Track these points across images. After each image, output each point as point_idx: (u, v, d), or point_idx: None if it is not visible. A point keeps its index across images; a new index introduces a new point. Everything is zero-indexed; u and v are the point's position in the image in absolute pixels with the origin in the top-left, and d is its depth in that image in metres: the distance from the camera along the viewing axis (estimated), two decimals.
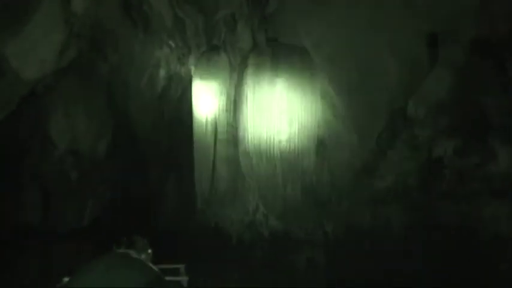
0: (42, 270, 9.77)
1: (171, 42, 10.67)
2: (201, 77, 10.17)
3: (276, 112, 7.69)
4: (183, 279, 4.72)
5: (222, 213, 9.93)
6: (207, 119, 10.22)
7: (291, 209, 7.91)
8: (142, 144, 12.70)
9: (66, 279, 2.70)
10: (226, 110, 9.96)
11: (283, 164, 7.67)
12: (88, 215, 12.25)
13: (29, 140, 12.53)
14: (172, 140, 12.01)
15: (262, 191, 8.08)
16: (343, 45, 6.80)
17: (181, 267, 4.94)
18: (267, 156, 7.70)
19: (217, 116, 10.02)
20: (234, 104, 9.09)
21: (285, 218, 8.13)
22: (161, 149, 12.37)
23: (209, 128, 10.26)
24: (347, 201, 7.78)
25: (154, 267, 1.51)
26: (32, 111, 12.69)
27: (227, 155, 9.74)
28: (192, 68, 10.66)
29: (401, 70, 6.64)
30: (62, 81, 12.02)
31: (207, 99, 10.18)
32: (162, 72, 11.28)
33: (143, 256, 2.20)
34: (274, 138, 7.68)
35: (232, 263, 8.98)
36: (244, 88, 7.89)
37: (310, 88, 7.55)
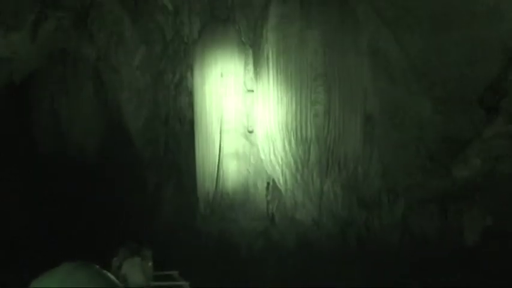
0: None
1: (167, 12, 8.13)
2: (204, 54, 7.86)
3: (309, 77, 5.21)
4: (184, 284, 4.54)
5: (230, 218, 7.72)
6: (210, 105, 7.93)
7: (327, 211, 5.27)
8: (136, 142, 10.18)
9: None
10: (235, 93, 7.66)
11: (320, 149, 5.05)
12: None
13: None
14: (171, 134, 9.54)
15: (287, 187, 5.44)
16: None
17: (175, 273, 4.79)
18: (296, 137, 5.10)
19: (223, 100, 7.70)
20: (246, 76, 6.69)
21: (318, 224, 5.47)
22: (158, 145, 9.86)
23: (214, 116, 7.93)
24: (405, 201, 5.12)
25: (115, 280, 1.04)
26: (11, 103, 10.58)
27: (236, 148, 7.55)
28: (193, 44, 8.18)
29: None
30: (42, 68, 9.64)
31: (210, 80, 7.89)
32: (157, 50, 8.72)
33: (150, 264, 2.36)
34: (307, 113, 5.12)
35: (241, 280, 6.88)
36: (265, 47, 5.41)
37: (354, 43, 4.99)
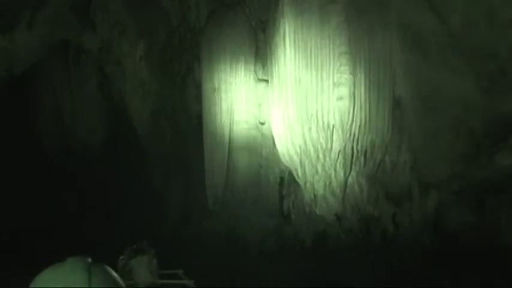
0: None
1: None
2: (212, 42, 7.45)
3: (331, 56, 4.69)
4: (189, 282, 4.47)
5: (240, 215, 7.43)
6: (219, 96, 7.52)
7: (351, 206, 4.70)
8: (141, 136, 9.77)
9: None
10: (246, 83, 7.32)
11: (343, 136, 4.48)
12: None
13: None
14: (177, 127, 9.08)
15: (306, 179, 4.88)
16: None
17: (180, 272, 4.68)
18: (316, 123, 4.52)
19: (233, 90, 7.33)
20: (257, 64, 6.25)
21: (340, 219, 4.89)
22: (164, 139, 9.40)
23: (223, 107, 7.51)
24: (437, 194, 4.53)
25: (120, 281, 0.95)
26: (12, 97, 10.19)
27: (247, 140, 7.25)
28: (200, 32, 7.64)
29: None
30: (43, 59, 9.18)
31: (218, 69, 7.45)
32: (161, 39, 8.22)
33: (155, 262, 2.41)
34: (329, 96, 4.56)
35: (251, 280, 6.47)
36: (281, 23, 4.84)
37: (382, 15, 4.45)
